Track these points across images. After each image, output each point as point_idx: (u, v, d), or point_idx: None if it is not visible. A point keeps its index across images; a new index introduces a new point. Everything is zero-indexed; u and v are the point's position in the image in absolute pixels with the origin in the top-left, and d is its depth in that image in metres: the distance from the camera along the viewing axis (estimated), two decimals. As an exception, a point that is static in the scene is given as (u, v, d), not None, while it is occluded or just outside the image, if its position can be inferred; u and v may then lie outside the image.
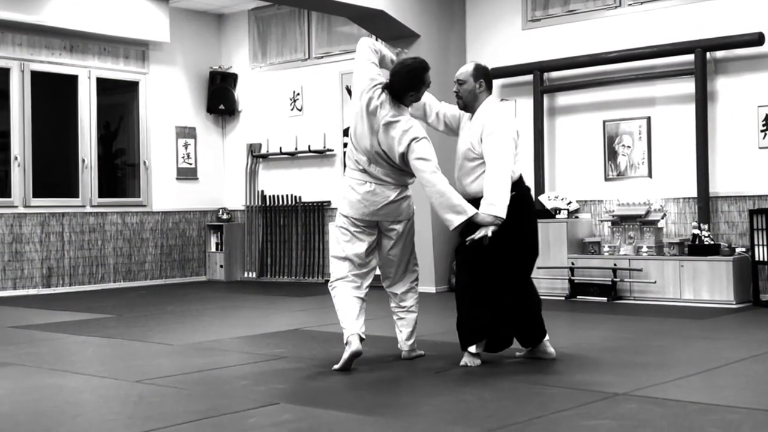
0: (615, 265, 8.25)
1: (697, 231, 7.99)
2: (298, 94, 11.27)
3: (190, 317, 7.53)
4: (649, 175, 8.67)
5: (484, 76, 5.00)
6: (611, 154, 8.88)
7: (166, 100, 11.38)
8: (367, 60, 5.01)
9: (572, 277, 8.46)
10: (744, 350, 5.34)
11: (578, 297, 8.43)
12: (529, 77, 9.24)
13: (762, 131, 8.05)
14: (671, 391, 4.16)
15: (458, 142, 5.09)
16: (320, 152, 10.91)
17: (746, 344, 5.61)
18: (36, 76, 10.16)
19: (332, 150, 10.85)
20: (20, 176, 9.94)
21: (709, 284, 7.77)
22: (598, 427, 3.48)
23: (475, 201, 4.78)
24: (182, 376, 4.69)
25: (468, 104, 5.01)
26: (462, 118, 5.12)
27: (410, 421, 3.66)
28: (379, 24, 9.18)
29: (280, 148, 11.26)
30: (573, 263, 8.49)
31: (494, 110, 4.95)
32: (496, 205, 4.67)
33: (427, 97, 5.24)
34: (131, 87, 11.10)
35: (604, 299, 8.22)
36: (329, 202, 10.87)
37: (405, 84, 4.90)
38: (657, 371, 4.67)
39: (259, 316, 7.62)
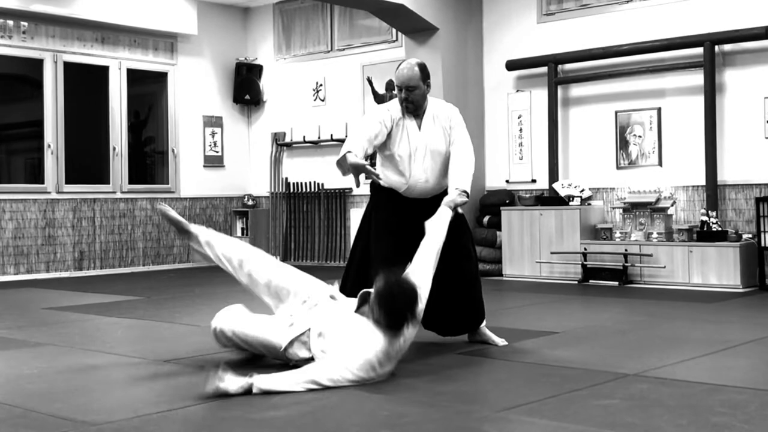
0: (626, 250, 8.21)
1: (705, 218, 7.94)
2: (321, 84, 11.26)
3: (216, 299, 7.55)
4: (660, 163, 8.62)
5: (428, 74, 4.76)
6: (623, 144, 8.83)
7: (194, 91, 11.39)
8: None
9: (585, 262, 8.43)
10: (750, 333, 5.31)
11: (590, 281, 8.40)
12: (544, 69, 9.19)
13: (770, 121, 7.98)
14: (680, 371, 4.14)
15: (404, 142, 4.72)
16: (342, 141, 10.88)
17: (753, 327, 5.58)
18: (68, 66, 10.20)
19: (353, 139, 10.82)
20: (53, 163, 9.99)
21: (717, 269, 7.72)
22: (609, 406, 3.47)
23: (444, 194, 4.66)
24: (209, 356, 4.71)
25: (419, 107, 4.72)
26: (392, 123, 4.70)
27: (427, 401, 3.66)
28: (399, 17, 9.15)
29: (304, 137, 11.27)
30: (585, 248, 8.46)
31: (444, 103, 4.89)
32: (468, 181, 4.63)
33: (362, 142, 4.59)
34: (160, 77, 11.12)
35: (616, 283, 8.19)
36: (350, 189, 10.87)
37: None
38: (666, 352, 4.65)
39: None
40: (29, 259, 9.81)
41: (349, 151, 4.47)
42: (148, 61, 10.89)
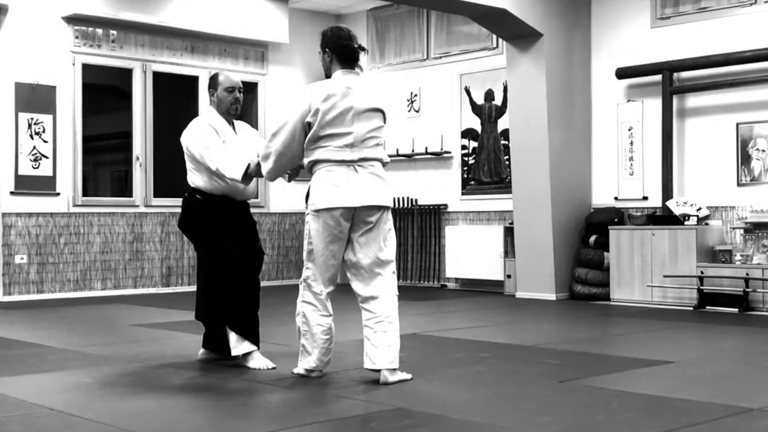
0: (747, 274, 8.03)
1: (837, 240, 7.71)
2: (416, 95, 11.34)
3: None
4: (786, 180, 8.41)
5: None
6: (744, 158, 8.64)
7: (285, 101, 11.59)
8: None
9: (701, 287, 8.27)
10: None
11: (707, 307, 8.23)
12: (658, 77, 9.07)
13: None
14: (810, 408, 4.04)
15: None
16: (437, 154, 10.96)
17: None
18: (158, 76, 10.52)
19: (450, 152, 10.88)
20: (141, 176, 10.30)
21: None
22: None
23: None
24: (299, 378, 4.78)
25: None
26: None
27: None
28: (501, 23, 9.17)
29: (397, 150, 11.35)
30: (702, 272, 8.29)
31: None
32: None
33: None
34: (251, 88, 11.36)
35: (735, 310, 8.01)
36: (446, 205, 10.90)
37: None
38: (794, 387, 4.54)
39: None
40: (117, 275, 10.13)
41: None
42: (238, 70, 11.13)
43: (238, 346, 5.09)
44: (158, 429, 3.70)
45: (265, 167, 4.79)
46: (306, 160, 4.72)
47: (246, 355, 5.11)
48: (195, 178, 5.28)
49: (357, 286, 4.68)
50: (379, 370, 4.59)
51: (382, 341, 4.58)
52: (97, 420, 3.81)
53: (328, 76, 4.78)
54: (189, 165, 5.34)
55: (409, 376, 4.69)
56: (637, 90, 9.41)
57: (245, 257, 5.19)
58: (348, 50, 4.76)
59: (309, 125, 4.62)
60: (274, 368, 5.03)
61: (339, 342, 5.90)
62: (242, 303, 5.13)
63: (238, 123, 5.42)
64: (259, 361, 5.08)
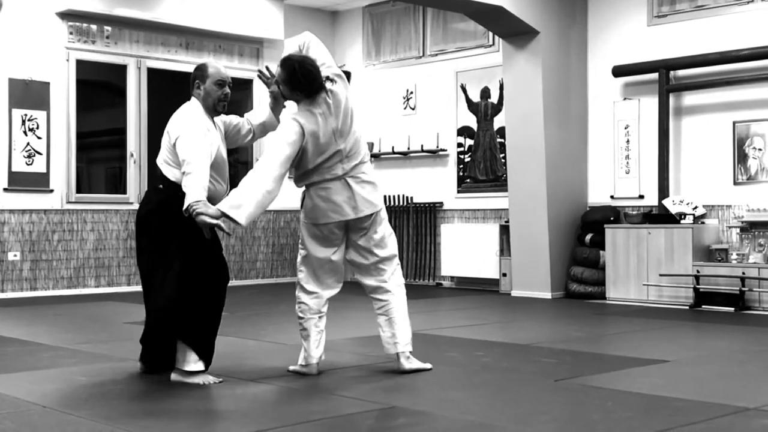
0: (743, 273, 8.04)
1: (834, 239, 7.72)
2: (412, 92, 11.33)
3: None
4: (782, 179, 8.42)
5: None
6: (741, 157, 8.65)
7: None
8: None
9: (697, 286, 8.28)
10: None
11: (703, 306, 8.24)
12: (655, 75, 9.07)
13: None
14: (806, 408, 4.05)
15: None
16: (433, 152, 10.95)
17: None
18: (152, 72, 10.50)
19: (445, 150, 10.88)
20: (135, 173, 10.29)
21: None
22: None
23: None
24: (295, 375, 4.79)
25: None
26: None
27: None
28: (497, 20, 9.16)
29: (393, 148, 11.35)
30: (698, 271, 8.30)
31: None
32: None
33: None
34: (245, 84, 11.35)
35: (731, 309, 8.02)
36: (442, 203, 10.89)
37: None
38: (790, 387, 4.55)
39: (369, 317, 7.69)
40: (110, 272, 10.12)
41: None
42: (233, 67, 11.11)
43: (192, 363, 4.60)
44: (151, 426, 3.70)
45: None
46: (300, 183, 4.87)
47: (196, 373, 4.61)
48: (176, 172, 4.66)
49: (362, 279, 5.00)
50: (397, 355, 4.84)
51: (394, 325, 4.86)
52: (90, 418, 3.81)
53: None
54: (168, 156, 4.70)
55: (429, 365, 4.93)
56: (634, 88, 9.41)
57: (215, 268, 4.76)
58: (312, 91, 4.82)
59: (300, 159, 4.76)
60: (220, 381, 4.62)
61: (335, 341, 5.92)
62: (205, 317, 4.66)
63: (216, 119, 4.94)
64: (204, 378, 4.61)
